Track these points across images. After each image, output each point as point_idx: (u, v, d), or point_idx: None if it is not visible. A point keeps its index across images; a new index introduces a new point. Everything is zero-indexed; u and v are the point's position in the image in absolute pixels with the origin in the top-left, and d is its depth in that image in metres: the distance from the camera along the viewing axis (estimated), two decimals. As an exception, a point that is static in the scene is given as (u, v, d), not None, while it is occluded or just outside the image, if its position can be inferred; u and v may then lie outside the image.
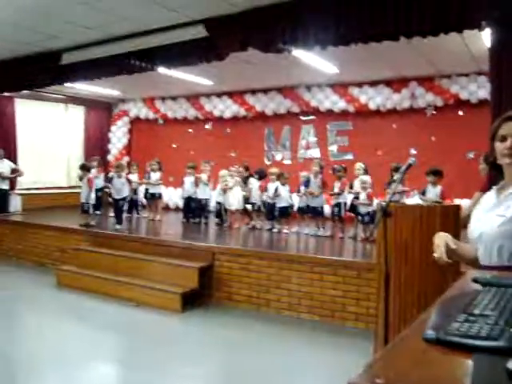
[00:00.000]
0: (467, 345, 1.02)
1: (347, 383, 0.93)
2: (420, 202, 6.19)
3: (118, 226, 8.71)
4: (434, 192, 7.34)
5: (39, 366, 4.62)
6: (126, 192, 9.31)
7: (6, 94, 10.83)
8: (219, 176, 9.26)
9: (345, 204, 8.21)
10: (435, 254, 2.21)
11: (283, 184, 8.63)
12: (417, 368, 0.96)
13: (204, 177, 9.69)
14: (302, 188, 8.59)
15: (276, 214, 8.67)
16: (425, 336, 1.10)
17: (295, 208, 8.94)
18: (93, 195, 9.17)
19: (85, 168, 9.34)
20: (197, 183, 9.67)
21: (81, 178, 9.24)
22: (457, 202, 8.25)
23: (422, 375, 0.93)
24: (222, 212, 9.31)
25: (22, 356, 4.91)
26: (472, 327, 1.07)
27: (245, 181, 9.28)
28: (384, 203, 3.46)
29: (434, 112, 9.96)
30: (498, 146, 2.14)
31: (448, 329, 1.08)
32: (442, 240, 2.19)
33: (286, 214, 8.65)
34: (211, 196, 9.88)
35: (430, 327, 1.13)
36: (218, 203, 9.36)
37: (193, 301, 6.54)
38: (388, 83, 10.11)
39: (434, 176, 7.32)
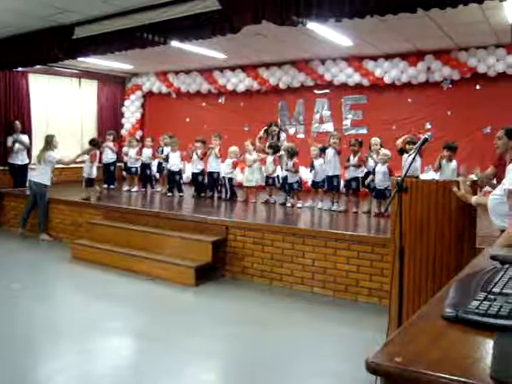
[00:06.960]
0: (487, 324, 1.00)
1: (366, 362, 0.92)
2: (435, 177, 6.13)
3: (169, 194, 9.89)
4: (450, 167, 7.27)
5: (55, 336, 4.70)
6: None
7: (19, 69, 10.82)
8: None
9: (361, 178, 8.12)
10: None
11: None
12: (436, 347, 0.95)
13: (215, 150, 9.52)
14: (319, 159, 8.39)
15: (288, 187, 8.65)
16: (444, 314, 1.08)
17: (309, 183, 8.87)
18: (94, 170, 9.35)
19: (94, 143, 9.41)
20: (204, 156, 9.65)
21: (88, 152, 9.32)
22: (473, 177, 8.18)
23: (443, 354, 0.91)
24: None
25: (40, 324, 5.01)
26: (492, 306, 1.06)
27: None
28: (399, 178, 3.43)
29: (451, 86, 9.80)
30: None
31: (467, 307, 1.07)
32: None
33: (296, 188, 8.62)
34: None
35: (449, 305, 1.12)
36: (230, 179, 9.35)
37: (206, 275, 6.59)
38: (404, 56, 9.92)
39: (450, 151, 7.26)
